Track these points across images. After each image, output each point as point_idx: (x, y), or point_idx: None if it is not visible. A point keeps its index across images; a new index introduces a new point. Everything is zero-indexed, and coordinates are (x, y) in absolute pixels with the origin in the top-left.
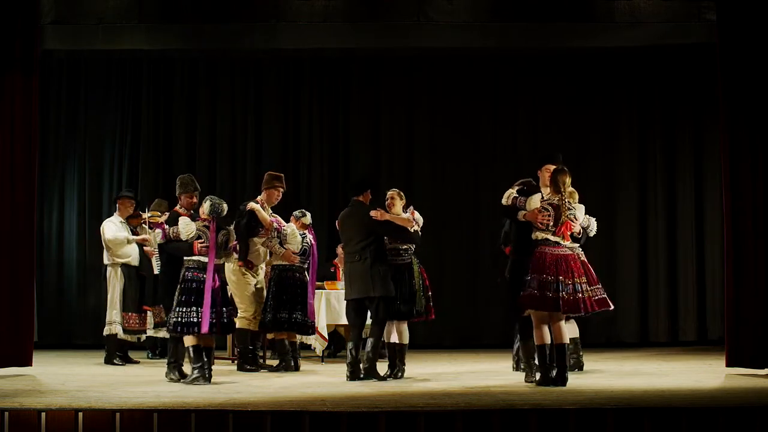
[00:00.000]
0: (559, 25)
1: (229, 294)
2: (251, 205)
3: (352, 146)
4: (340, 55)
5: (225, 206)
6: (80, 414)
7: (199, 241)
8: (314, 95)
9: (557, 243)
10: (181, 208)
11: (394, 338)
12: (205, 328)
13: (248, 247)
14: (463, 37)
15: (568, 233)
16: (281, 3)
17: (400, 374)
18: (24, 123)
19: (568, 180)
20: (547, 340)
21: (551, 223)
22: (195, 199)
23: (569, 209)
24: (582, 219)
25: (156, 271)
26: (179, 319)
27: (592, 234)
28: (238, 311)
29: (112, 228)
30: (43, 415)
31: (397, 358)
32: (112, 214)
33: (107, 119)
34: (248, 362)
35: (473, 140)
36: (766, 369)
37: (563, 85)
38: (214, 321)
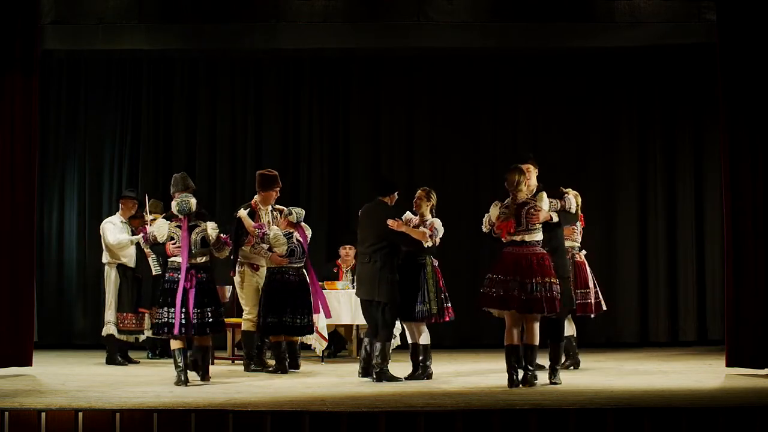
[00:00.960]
0: (559, 25)
1: (228, 294)
2: (240, 212)
3: (352, 146)
4: (340, 55)
5: (193, 201)
6: (80, 414)
7: (171, 242)
8: (314, 95)
9: (523, 242)
10: None
11: (411, 339)
12: (175, 329)
13: (237, 258)
14: (463, 37)
15: (511, 230)
16: (281, 3)
17: (424, 375)
18: (24, 123)
19: (518, 177)
20: (515, 341)
21: (516, 225)
22: None
23: (524, 205)
24: (547, 206)
25: (154, 272)
26: (158, 320)
27: (573, 210)
28: (243, 312)
29: (113, 230)
30: (43, 415)
31: (419, 359)
32: (114, 214)
33: (107, 119)
34: (254, 363)
35: (473, 140)
36: (766, 369)
37: (563, 85)
38: (184, 322)
